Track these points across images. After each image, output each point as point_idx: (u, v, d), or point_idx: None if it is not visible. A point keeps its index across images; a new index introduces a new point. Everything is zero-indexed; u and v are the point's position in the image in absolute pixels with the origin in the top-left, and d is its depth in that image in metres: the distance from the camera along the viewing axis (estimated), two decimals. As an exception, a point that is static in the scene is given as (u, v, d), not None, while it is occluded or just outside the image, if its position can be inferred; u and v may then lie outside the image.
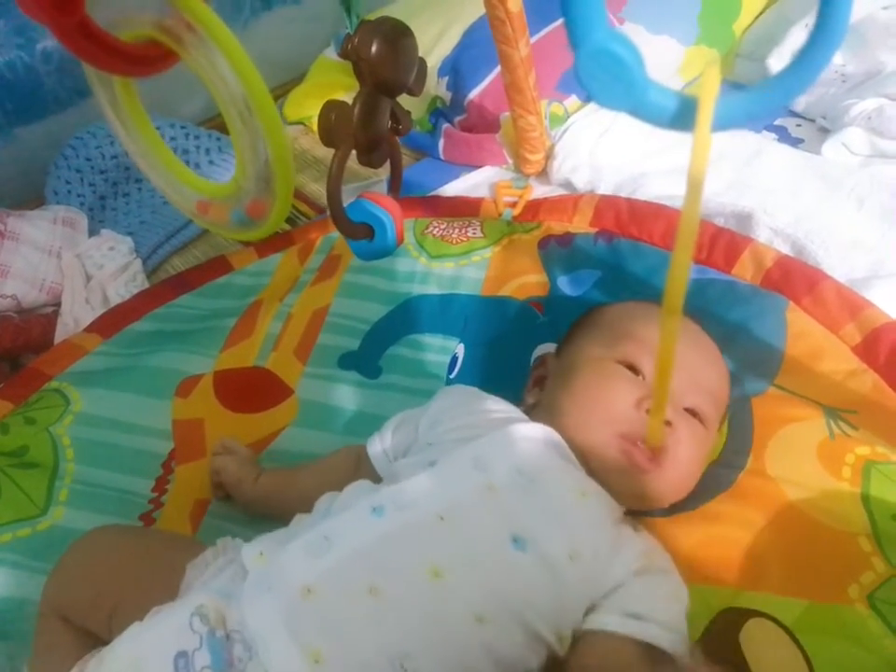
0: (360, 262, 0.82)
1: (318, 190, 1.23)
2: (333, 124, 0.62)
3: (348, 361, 0.83)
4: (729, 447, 0.63)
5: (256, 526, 0.56)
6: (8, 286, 0.97)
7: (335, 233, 0.98)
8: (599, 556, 0.51)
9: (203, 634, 0.46)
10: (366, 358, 0.84)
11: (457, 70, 1.19)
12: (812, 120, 1.10)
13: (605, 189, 1.01)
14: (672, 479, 0.56)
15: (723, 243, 0.78)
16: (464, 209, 1.01)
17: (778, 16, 1.22)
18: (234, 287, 0.97)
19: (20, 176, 1.18)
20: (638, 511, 0.59)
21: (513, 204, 0.98)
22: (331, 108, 0.61)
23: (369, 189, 1.11)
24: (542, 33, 1.12)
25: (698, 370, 0.59)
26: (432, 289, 0.89)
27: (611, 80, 0.37)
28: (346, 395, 0.80)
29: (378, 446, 0.65)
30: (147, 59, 0.60)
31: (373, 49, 0.58)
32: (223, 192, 0.68)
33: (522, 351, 0.79)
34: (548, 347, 0.77)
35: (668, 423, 0.54)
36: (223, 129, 0.87)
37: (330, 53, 1.38)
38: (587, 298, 0.81)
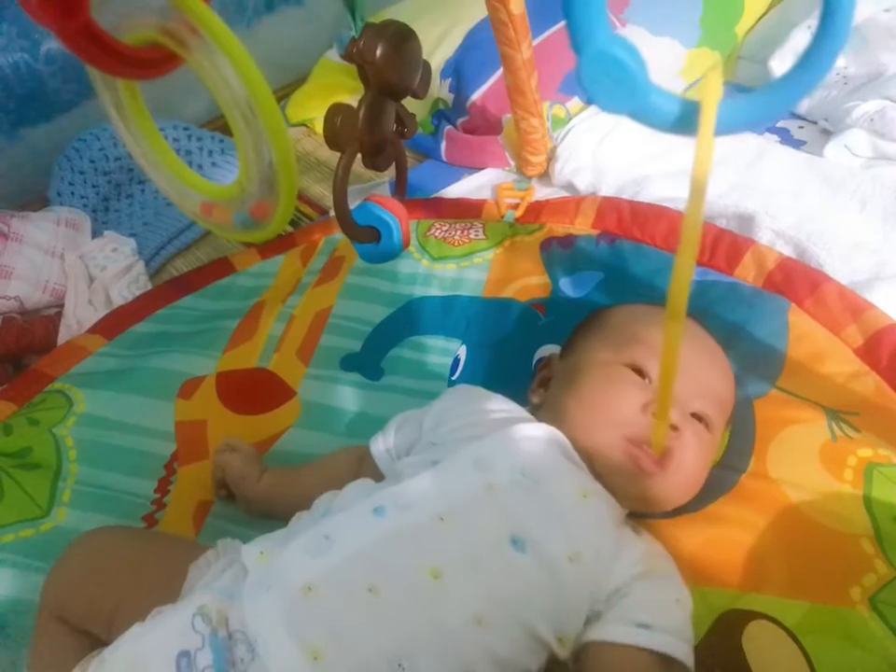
0: (363, 264, 0.83)
1: (321, 192, 1.23)
2: (339, 128, 0.62)
3: (350, 363, 0.84)
4: (731, 449, 0.63)
5: (258, 528, 0.56)
6: (12, 287, 0.97)
7: (338, 235, 0.99)
8: (600, 558, 0.51)
9: (206, 634, 0.46)
10: (368, 360, 0.84)
11: (460, 72, 1.19)
12: (814, 122, 1.10)
13: (607, 190, 1.01)
14: (677, 483, 0.56)
15: (726, 245, 0.78)
16: (466, 211, 1.01)
17: (781, 18, 1.22)
18: (237, 288, 0.97)
19: (23, 178, 1.18)
20: (641, 514, 0.59)
21: (515, 206, 0.98)
22: (336, 112, 0.62)
23: (372, 190, 1.11)
24: (545, 35, 1.12)
25: (705, 375, 0.59)
26: (434, 291, 0.89)
27: (614, 84, 0.37)
28: (349, 396, 0.81)
29: (381, 445, 0.65)
30: (150, 62, 0.60)
31: (378, 52, 0.58)
32: (227, 194, 0.68)
33: (524, 353, 0.79)
34: (550, 349, 0.77)
35: (675, 427, 0.54)
36: (225, 130, 0.87)
37: (332, 55, 1.38)
38: (589, 300, 0.81)
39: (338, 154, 0.64)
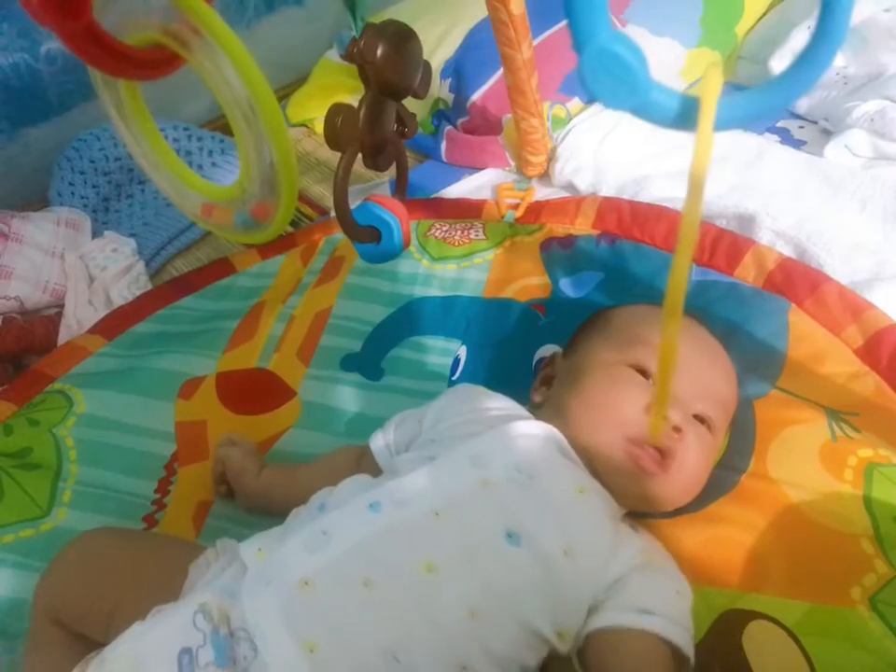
0: (363, 264, 0.83)
1: (321, 192, 1.23)
2: (339, 128, 0.62)
3: (350, 363, 0.84)
4: (731, 449, 0.63)
5: (259, 528, 0.56)
6: (12, 287, 0.97)
7: (338, 235, 0.99)
8: (596, 552, 0.51)
9: (207, 631, 0.47)
10: (368, 360, 0.84)
11: (460, 72, 1.19)
12: (814, 122, 1.10)
13: (607, 191, 1.01)
14: (678, 484, 0.56)
15: (726, 245, 0.78)
16: (466, 211, 1.01)
17: (781, 18, 1.22)
18: (237, 288, 0.97)
19: (23, 178, 1.18)
20: (641, 513, 0.59)
21: (515, 206, 0.98)
22: (337, 112, 0.62)
23: (372, 190, 1.11)
24: (545, 35, 1.12)
25: (707, 377, 0.60)
26: (434, 291, 0.89)
27: (615, 81, 0.37)
28: (349, 396, 0.81)
29: (381, 441, 0.65)
30: (152, 62, 0.60)
31: (379, 52, 0.58)
32: (227, 195, 0.68)
33: (524, 353, 0.79)
34: (550, 349, 0.77)
35: (677, 429, 0.55)
36: (226, 130, 0.87)
37: (333, 55, 1.38)
38: (589, 300, 0.81)
39: (338, 154, 0.64)
